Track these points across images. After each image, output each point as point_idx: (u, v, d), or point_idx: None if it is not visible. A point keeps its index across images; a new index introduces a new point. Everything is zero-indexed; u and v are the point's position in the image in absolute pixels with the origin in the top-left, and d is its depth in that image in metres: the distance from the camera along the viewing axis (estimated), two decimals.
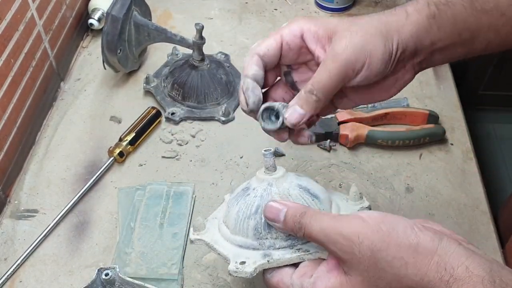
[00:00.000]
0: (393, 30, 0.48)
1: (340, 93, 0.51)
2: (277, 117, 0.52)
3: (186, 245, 0.70)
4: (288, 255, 0.50)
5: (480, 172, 0.80)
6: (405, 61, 0.50)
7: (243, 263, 0.51)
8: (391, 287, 0.41)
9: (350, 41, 0.47)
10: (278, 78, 0.56)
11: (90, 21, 0.98)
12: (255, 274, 0.50)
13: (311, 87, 0.49)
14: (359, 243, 0.41)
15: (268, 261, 0.50)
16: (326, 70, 0.48)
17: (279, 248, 0.51)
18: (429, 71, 0.97)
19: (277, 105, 0.52)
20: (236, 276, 0.50)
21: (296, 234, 0.47)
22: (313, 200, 0.52)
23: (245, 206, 0.53)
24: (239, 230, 0.53)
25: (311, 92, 0.49)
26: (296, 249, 0.50)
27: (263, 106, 0.52)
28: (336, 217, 0.45)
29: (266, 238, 0.52)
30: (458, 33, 0.49)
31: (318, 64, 0.50)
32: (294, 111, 0.50)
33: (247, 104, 0.51)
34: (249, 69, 0.51)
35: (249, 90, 0.51)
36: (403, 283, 0.40)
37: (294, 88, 0.54)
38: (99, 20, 0.98)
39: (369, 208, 0.55)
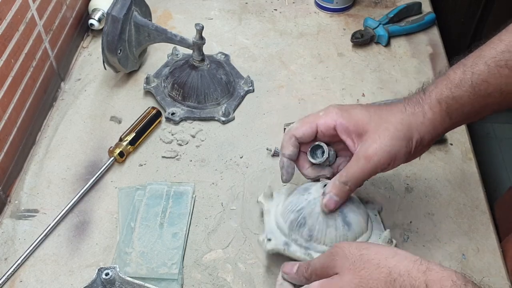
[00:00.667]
0: (414, 130, 0.58)
1: None
2: (322, 153, 0.64)
3: (186, 245, 0.70)
4: (300, 254, 0.63)
5: (479, 172, 0.80)
6: (421, 148, 0.61)
7: (269, 240, 0.64)
8: (372, 276, 0.48)
9: (381, 147, 0.57)
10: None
11: (91, 21, 0.98)
12: (271, 253, 0.64)
13: (345, 179, 0.59)
14: (348, 246, 0.52)
15: (284, 249, 0.64)
16: (359, 168, 0.58)
17: (299, 245, 0.64)
18: (429, 72, 0.97)
19: (322, 144, 0.63)
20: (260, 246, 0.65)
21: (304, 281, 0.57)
22: (343, 226, 0.63)
23: (296, 201, 0.65)
24: (283, 216, 0.66)
25: (345, 184, 0.59)
26: (308, 253, 0.63)
27: (312, 145, 0.64)
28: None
29: (296, 232, 0.64)
30: (467, 116, 0.59)
31: (347, 148, 0.61)
32: (330, 198, 0.60)
33: (281, 178, 0.65)
34: (286, 150, 0.63)
35: (284, 168, 0.64)
36: (382, 271, 0.48)
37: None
38: (99, 20, 0.98)
39: None
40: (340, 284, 0.50)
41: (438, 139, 0.62)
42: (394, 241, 0.65)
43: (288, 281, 0.58)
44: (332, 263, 0.52)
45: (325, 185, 0.64)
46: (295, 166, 0.66)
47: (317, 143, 0.64)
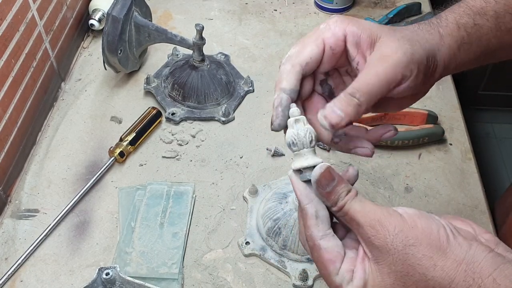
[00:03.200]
0: (434, 48, 0.47)
1: None
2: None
3: (186, 245, 0.70)
4: (273, 261, 0.67)
5: (479, 172, 0.80)
6: (431, 79, 0.48)
7: (248, 243, 0.69)
8: (417, 287, 0.40)
9: (400, 46, 0.44)
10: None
11: (91, 21, 0.98)
12: (248, 256, 0.69)
13: (353, 90, 0.43)
14: (394, 234, 0.40)
15: (260, 254, 0.68)
16: (374, 72, 0.44)
17: (274, 251, 0.68)
18: None
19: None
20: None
21: (331, 206, 0.43)
22: None
23: (274, 209, 0.69)
24: (263, 218, 0.70)
25: (353, 95, 0.43)
26: (281, 260, 0.67)
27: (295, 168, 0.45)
28: (379, 206, 0.42)
29: (272, 239, 0.68)
30: (481, 53, 0.49)
31: (354, 72, 0.47)
32: (332, 111, 0.43)
33: (272, 123, 0.47)
34: (288, 82, 0.46)
35: (280, 109, 0.46)
36: (430, 285, 0.39)
37: (331, 97, 0.48)
38: (99, 20, 0.98)
39: None
40: (378, 282, 0.41)
41: (447, 74, 0.50)
42: None
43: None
44: (370, 239, 0.41)
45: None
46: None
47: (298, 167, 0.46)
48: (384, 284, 0.41)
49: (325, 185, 0.43)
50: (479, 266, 0.38)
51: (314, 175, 0.43)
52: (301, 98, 0.48)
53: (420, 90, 0.48)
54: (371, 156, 0.49)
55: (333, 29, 0.46)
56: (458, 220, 0.44)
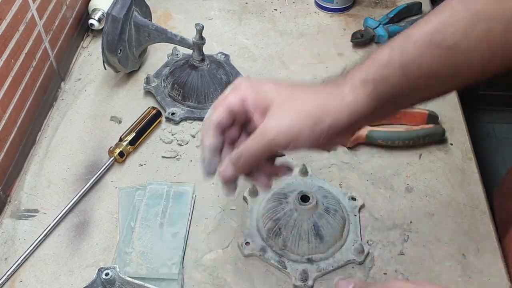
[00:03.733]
0: (327, 113, 0.51)
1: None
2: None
3: (186, 245, 0.70)
4: (273, 261, 0.68)
5: (479, 172, 0.80)
6: (336, 136, 0.53)
7: (248, 244, 0.69)
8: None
9: (278, 123, 0.51)
10: None
11: (91, 21, 0.98)
12: (248, 256, 0.69)
13: (240, 153, 0.53)
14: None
15: (260, 254, 0.68)
16: (253, 143, 0.52)
17: (274, 251, 0.68)
18: None
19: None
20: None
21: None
22: (315, 239, 0.67)
23: (274, 209, 0.70)
24: (264, 219, 0.70)
25: (239, 158, 0.54)
26: (282, 261, 0.67)
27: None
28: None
29: (272, 239, 0.69)
30: (396, 101, 0.52)
31: (255, 127, 0.54)
32: (227, 167, 0.55)
33: (202, 172, 0.57)
34: (206, 140, 0.56)
35: (205, 161, 0.56)
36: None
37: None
38: (99, 20, 0.98)
39: None
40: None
41: (362, 126, 0.54)
42: (366, 250, 0.68)
43: None
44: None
45: (302, 195, 0.68)
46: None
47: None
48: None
49: None
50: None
51: None
52: (230, 142, 0.57)
53: (315, 145, 0.53)
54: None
55: (236, 94, 0.54)
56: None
